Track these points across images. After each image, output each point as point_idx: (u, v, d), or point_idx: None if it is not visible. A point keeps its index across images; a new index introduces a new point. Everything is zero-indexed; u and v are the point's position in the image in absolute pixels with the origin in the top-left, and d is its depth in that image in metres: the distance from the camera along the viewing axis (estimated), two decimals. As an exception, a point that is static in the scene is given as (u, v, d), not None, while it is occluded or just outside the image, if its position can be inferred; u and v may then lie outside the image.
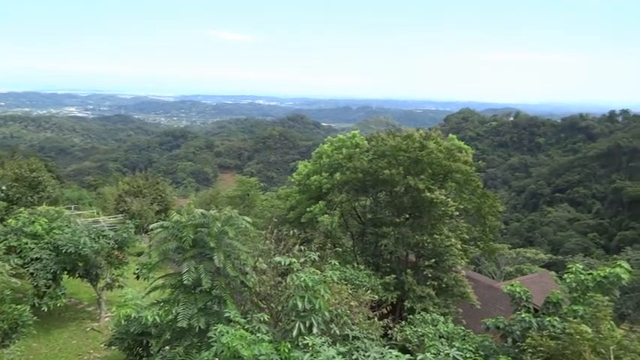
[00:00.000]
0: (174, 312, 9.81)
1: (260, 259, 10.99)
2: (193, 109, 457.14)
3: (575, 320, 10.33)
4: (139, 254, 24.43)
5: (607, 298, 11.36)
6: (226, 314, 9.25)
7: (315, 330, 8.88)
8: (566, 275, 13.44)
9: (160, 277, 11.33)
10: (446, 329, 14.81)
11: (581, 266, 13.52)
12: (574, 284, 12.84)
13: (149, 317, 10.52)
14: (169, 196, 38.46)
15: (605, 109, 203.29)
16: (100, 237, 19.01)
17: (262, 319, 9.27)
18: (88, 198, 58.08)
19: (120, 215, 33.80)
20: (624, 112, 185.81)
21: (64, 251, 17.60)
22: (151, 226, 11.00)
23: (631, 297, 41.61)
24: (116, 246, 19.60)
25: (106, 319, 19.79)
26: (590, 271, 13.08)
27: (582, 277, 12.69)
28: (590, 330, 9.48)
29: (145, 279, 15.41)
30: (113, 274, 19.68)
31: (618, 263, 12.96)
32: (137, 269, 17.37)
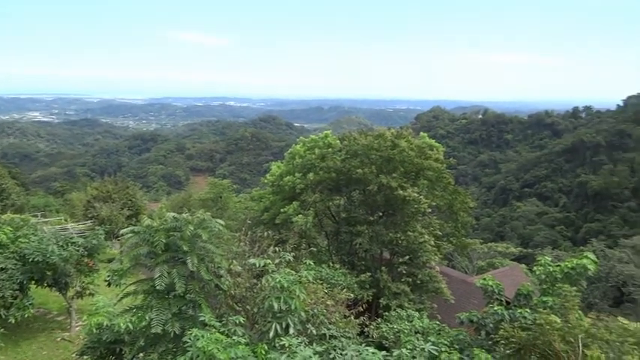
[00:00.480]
0: (147, 318, 9.63)
1: (234, 261, 10.90)
2: (163, 111, 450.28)
3: (544, 311, 10.59)
4: (110, 261, 23.90)
5: (575, 288, 11.69)
6: (201, 318, 9.14)
7: (291, 330, 8.86)
8: (535, 267, 13.78)
9: (132, 284, 11.11)
10: (421, 325, 14.98)
11: (549, 258, 13.88)
12: (543, 276, 13.18)
13: (122, 324, 10.28)
14: (140, 201, 37.78)
15: (569, 105, 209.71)
16: (69, 244, 18.50)
17: (238, 322, 9.19)
18: (55, 205, 56.51)
19: (89, 221, 33.00)
20: (587, 108, 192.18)
21: (30, 260, 17.06)
22: (121, 232, 10.78)
23: (597, 287, 43.00)
24: (86, 253, 19.11)
25: (77, 328, 19.29)
26: (559, 263, 13.45)
27: (551, 269, 13.03)
28: (559, 320, 9.74)
29: (116, 286, 15.05)
30: (83, 282, 19.19)
31: (585, 255, 13.37)
32: (108, 276, 16.97)
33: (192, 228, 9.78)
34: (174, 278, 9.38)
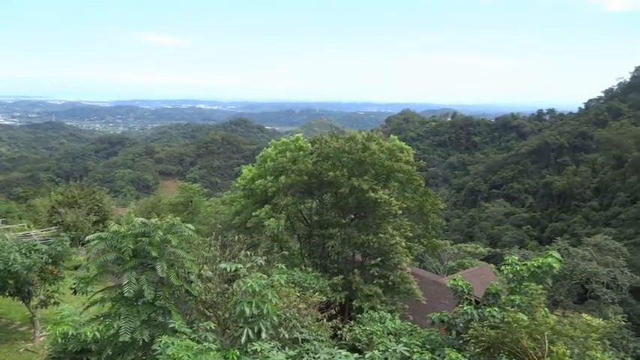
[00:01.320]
0: (115, 326, 9.39)
1: (205, 266, 10.74)
2: (131, 114, 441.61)
3: (512, 309, 10.85)
4: (76, 268, 23.23)
5: (541, 286, 12.01)
6: (171, 325, 8.97)
7: (263, 335, 8.79)
8: (503, 267, 14.10)
9: (99, 291, 10.82)
10: (393, 326, 15.11)
11: (516, 258, 14.23)
12: (511, 275, 13.49)
13: (88, 333, 9.98)
14: (107, 206, 36.88)
15: (534, 108, 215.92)
16: (32, 252, 17.86)
17: (209, 328, 9.06)
18: (18, 211, 54.59)
19: (53, 228, 31.99)
20: (550, 111, 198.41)
21: (-9, 269, 16.41)
22: (87, 238, 10.48)
23: (562, 284, 44.25)
24: (50, 260, 18.48)
25: (41, 338, 18.64)
26: (525, 262, 13.80)
27: (518, 268, 13.35)
28: (526, 318, 9.99)
29: (82, 294, 14.61)
30: (47, 291, 18.55)
31: (550, 253, 13.76)
32: (74, 284, 16.43)
33: (161, 233, 9.59)
34: (142, 285, 9.17)
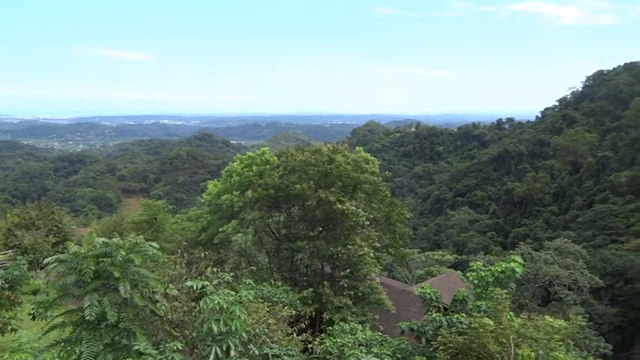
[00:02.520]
0: (77, 351, 9.03)
1: (171, 285, 10.50)
2: (91, 131, 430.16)
3: (478, 315, 11.05)
4: (35, 292, 22.27)
5: (505, 291, 12.30)
6: (136, 347, 8.69)
7: (232, 353, 8.64)
8: (468, 273, 14.39)
9: (59, 315, 10.39)
10: (364, 337, 15.15)
11: (481, 264, 14.55)
12: (476, 281, 13.78)
13: (48, 360, 9.59)
14: (67, 226, 35.62)
15: (493, 117, 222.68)
16: (-13, 277, 17.07)
17: (176, 348, 8.83)
18: (-29, 234, 51.97)
19: (10, 251, 30.62)
20: (509, 120, 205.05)
21: (-58, 296, 15.54)
22: (46, 261, 10.08)
23: (527, 288, 45.38)
24: (7, 285, 17.68)
25: (-2, 368, 17.72)
26: (489, 268, 14.13)
27: (482, 274, 13.66)
28: (492, 322, 10.20)
29: (42, 319, 14.02)
30: (4, 317, 17.70)
31: (512, 258, 14.15)
32: (33, 309, 15.75)
33: (123, 253, 9.32)
34: (105, 307, 8.86)
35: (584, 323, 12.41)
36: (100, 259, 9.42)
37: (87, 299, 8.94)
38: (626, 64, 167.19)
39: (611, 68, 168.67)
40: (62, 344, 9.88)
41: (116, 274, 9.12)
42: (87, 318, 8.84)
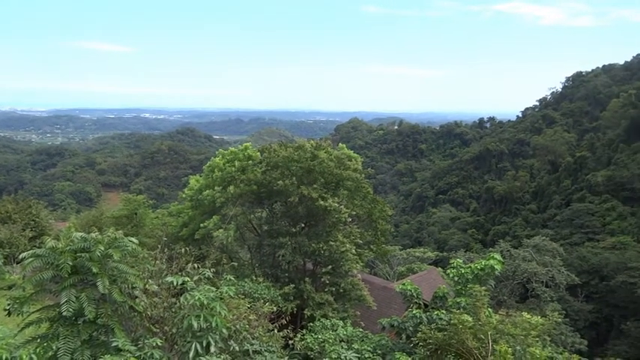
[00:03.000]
0: (54, 347, 8.89)
1: (150, 280, 10.39)
2: (70, 124, 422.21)
3: (458, 311, 11.19)
4: (10, 287, 21.82)
5: (484, 288, 12.47)
6: (114, 343, 8.59)
7: (212, 349, 8.60)
8: (449, 270, 14.56)
9: (35, 311, 10.20)
10: (345, 333, 15.22)
11: (461, 261, 14.73)
12: (456, 278, 13.95)
13: (24, 356, 9.38)
14: (45, 221, 35.01)
15: (475, 116, 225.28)
16: (-40, 272, 16.67)
17: (155, 344, 8.76)
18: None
19: (-15, 245, 29.95)
20: (491, 119, 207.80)
21: None
22: (22, 255, 9.88)
23: (506, 285, 46.12)
24: (-19, 280, 17.31)
25: (-29, 365, 17.33)
26: (469, 265, 14.30)
27: (462, 271, 13.83)
28: (470, 319, 10.33)
29: (17, 315, 13.74)
30: (-22, 313, 17.31)
31: (492, 255, 14.35)
32: (8, 304, 15.43)
33: (102, 248, 9.18)
34: (83, 302, 8.72)
35: (560, 320, 12.69)
36: (78, 254, 9.27)
37: (64, 295, 8.80)
38: (604, 66, 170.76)
39: (589, 70, 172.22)
40: (38, 340, 9.72)
41: (94, 270, 8.99)
42: (64, 314, 8.71)
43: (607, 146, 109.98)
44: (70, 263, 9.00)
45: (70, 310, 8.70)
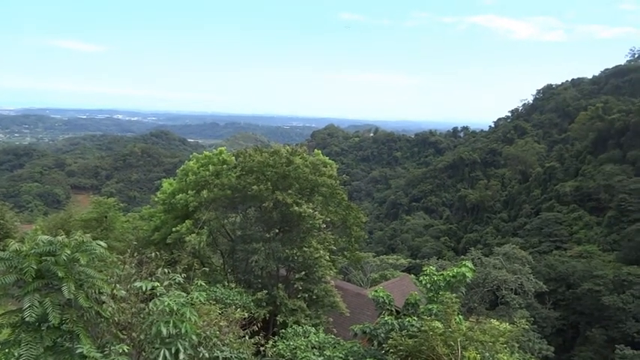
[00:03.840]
0: (15, 354, 8.57)
1: (118, 285, 10.15)
2: (40, 124, 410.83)
3: (429, 318, 11.29)
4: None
5: (454, 295, 12.63)
6: (79, 350, 8.34)
7: (181, 356, 8.46)
8: (421, 277, 14.69)
9: (-4, 317, 9.83)
10: (317, 339, 15.17)
11: (434, 268, 14.89)
12: (429, 285, 14.08)
13: (-17, 364, 9.06)
14: (10, 223, 33.80)
15: (449, 126, 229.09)
16: None
17: (122, 351, 8.55)
18: None
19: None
20: (464, 128, 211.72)
21: None
22: (-17, 259, 9.52)
23: (476, 292, 46.87)
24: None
25: None
26: (442, 272, 14.47)
27: (435, 278, 13.97)
28: (441, 325, 10.43)
29: (-23, 320, 13.24)
30: None
31: (464, 263, 14.55)
32: (-33, 310, 14.87)
33: (68, 251, 8.92)
34: (47, 308, 8.44)
35: (528, 326, 12.95)
36: (43, 258, 8.98)
37: (27, 300, 8.50)
38: (573, 79, 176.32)
39: (559, 83, 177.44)
40: (0, 347, 9.38)
41: (60, 274, 8.73)
42: (27, 319, 8.41)
43: (575, 157, 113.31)
44: (35, 267, 8.71)
45: (34, 315, 8.42)
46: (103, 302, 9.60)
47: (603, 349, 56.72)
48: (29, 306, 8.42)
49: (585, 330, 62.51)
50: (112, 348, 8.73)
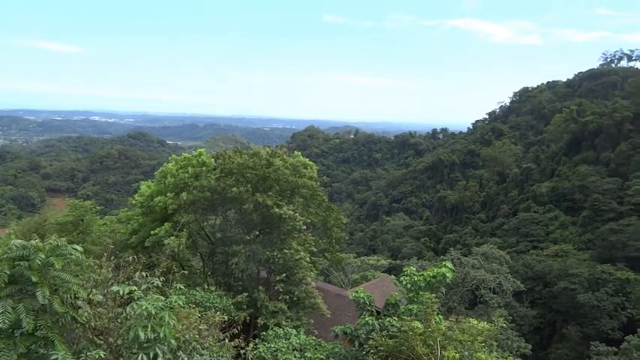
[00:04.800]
0: (-13, 362, 8.35)
1: (95, 290, 9.96)
2: (13, 125, 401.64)
3: (409, 318, 11.37)
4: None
5: (434, 295, 12.74)
6: (54, 356, 8.15)
7: (160, 360, 8.32)
8: (402, 278, 14.78)
9: (-33, 324, 9.55)
10: (298, 341, 15.14)
11: (414, 269, 14.99)
12: (409, 285, 14.17)
13: (-47, 373, 8.78)
14: (-18, 227, 32.96)
15: (428, 127, 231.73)
16: None
17: (98, 356, 8.38)
18: None
19: None
20: (443, 130, 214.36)
21: None
22: (-47, 264, 9.24)
23: (456, 292, 47.35)
24: None
25: None
26: (422, 273, 14.58)
27: (415, 279, 14.07)
28: (421, 325, 10.52)
29: (-53, 328, 12.84)
30: None
31: (444, 264, 14.68)
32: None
33: (42, 256, 8.72)
34: (20, 314, 8.23)
35: (506, 325, 13.15)
36: (17, 263, 8.77)
37: (0, 306, 8.29)
38: (548, 82, 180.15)
39: (535, 85, 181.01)
40: (-30, 355, 9.11)
41: (34, 279, 8.52)
42: (-1, 326, 8.20)
43: (551, 159, 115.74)
44: (7, 272, 8.49)
45: (6, 321, 8.20)
46: (79, 307, 9.40)
47: (579, 346, 58.02)
48: (2, 312, 8.20)
49: (562, 327, 63.87)
50: (89, 354, 8.56)
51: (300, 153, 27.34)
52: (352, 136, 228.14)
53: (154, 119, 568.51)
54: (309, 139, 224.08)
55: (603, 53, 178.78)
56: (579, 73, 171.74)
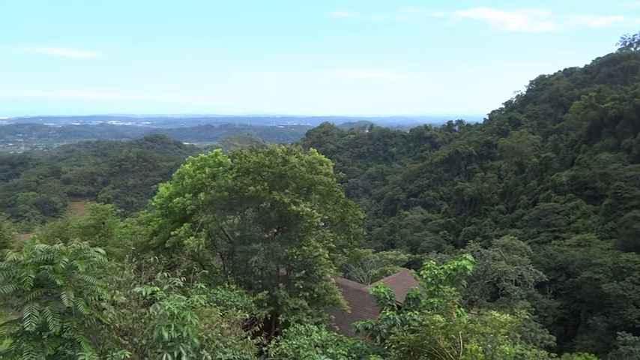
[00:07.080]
0: (17, 364, 8.55)
1: (118, 291, 10.12)
2: (33, 132, 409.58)
3: (430, 312, 11.31)
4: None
5: (454, 288, 12.65)
6: (81, 357, 8.32)
7: (184, 359, 8.43)
8: (422, 272, 14.71)
9: (-3, 327, 9.79)
10: (320, 338, 15.17)
11: (434, 262, 14.91)
12: (429, 279, 14.10)
13: (-15, 375, 9.03)
14: (7, 232, 33.69)
15: (444, 120, 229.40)
16: None
17: (123, 357, 8.53)
18: None
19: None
20: (459, 122, 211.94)
21: None
22: (-19, 270, 9.47)
23: (477, 284, 46.96)
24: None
25: None
26: (442, 266, 14.49)
27: (436, 272, 13.99)
28: (442, 319, 10.45)
29: (-22, 331, 13.18)
30: None
31: (464, 256, 14.57)
32: (-32, 321, 14.80)
33: (66, 259, 8.90)
34: (47, 317, 8.42)
35: (529, 316, 13.03)
36: (42, 267, 8.96)
37: (26, 309, 8.48)
38: (565, 69, 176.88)
39: (552, 73, 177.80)
40: (1, 357, 9.34)
41: (58, 282, 8.71)
42: (27, 329, 8.39)
43: (570, 147, 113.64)
44: (33, 276, 8.69)
45: (34, 324, 8.39)
46: (104, 309, 9.58)
47: (605, 337, 57.00)
48: (29, 315, 8.40)
49: (586, 318, 62.82)
50: (114, 354, 8.71)
51: (315, 150, 27.36)
52: (367, 131, 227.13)
53: (170, 121, 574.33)
54: (324, 136, 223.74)
55: (622, 37, 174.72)
56: (597, 58, 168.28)
